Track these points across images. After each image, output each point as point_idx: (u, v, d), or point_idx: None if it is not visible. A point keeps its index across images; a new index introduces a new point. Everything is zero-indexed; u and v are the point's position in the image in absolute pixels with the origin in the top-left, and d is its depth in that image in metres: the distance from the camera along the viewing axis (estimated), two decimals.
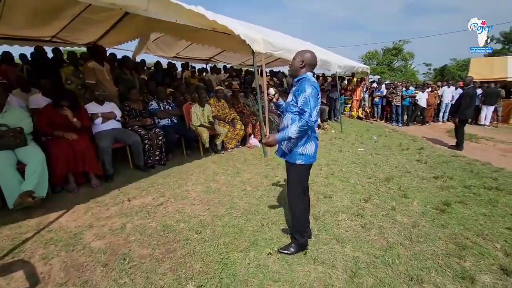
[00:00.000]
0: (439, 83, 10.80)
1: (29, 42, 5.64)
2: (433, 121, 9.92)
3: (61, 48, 5.70)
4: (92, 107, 3.56)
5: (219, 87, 5.19)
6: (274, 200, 3.08)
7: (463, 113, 5.58)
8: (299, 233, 2.14)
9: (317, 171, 4.04)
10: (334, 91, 8.58)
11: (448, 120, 9.90)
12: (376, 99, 9.72)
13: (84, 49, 6.54)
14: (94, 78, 3.92)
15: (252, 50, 4.20)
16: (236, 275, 1.91)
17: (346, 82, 10.61)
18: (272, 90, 2.20)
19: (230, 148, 4.95)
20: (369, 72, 9.72)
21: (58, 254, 2.07)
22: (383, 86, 9.80)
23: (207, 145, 4.55)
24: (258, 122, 5.38)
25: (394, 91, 8.86)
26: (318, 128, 7.23)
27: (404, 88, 8.94)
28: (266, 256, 2.12)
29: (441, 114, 9.94)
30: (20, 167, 2.69)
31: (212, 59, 9.44)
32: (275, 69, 10.16)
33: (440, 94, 9.71)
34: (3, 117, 2.74)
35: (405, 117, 9.14)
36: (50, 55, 5.17)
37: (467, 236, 2.45)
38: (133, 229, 2.43)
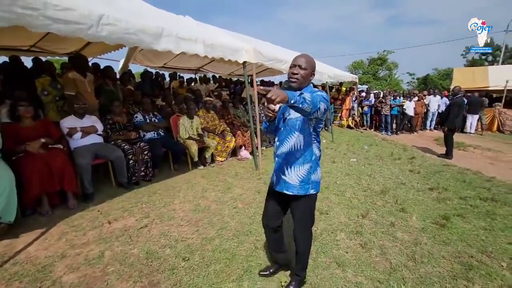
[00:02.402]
0: (425, 92, 11.06)
1: (5, 51, 5.34)
2: (421, 129, 10.08)
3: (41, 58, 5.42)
4: (70, 121, 3.31)
5: (208, 98, 5.03)
6: None
7: (452, 122, 5.63)
8: (304, 270, 1.90)
9: None
10: None
11: (435, 128, 10.11)
12: (365, 108, 9.80)
13: (64, 58, 6.28)
14: (74, 89, 3.67)
15: (243, 61, 4.09)
16: None
17: (334, 91, 10.69)
18: (276, 106, 1.54)
19: (220, 161, 4.75)
20: (357, 81, 9.83)
21: None
22: (372, 95, 9.92)
23: (195, 159, 4.34)
24: (249, 134, 5.22)
25: (383, 101, 8.96)
26: None
27: (392, 98, 9.07)
28: (261, 285, 1.92)
29: (428, 123, 10.12)
30: None
31: (201, 69, 9.30)
32: (265, 79, 10.13)
33: (426, 103, 9.90)
34: None
35: (394, 126, 9.24)
36: (29, 65, 4.88)
37: (471, 254, 2.34)
38: (112, 258, 2.18)
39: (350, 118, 9.96)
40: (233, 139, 4.89)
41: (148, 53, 6.85)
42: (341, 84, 10.45)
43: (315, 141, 1.64)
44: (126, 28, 2.43)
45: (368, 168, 4.87)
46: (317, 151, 1.66)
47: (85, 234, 2.50)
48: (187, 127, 4.40)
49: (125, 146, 3.57)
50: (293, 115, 1.61)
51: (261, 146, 4.71)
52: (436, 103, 9.79)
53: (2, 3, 1.69)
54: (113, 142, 3.63)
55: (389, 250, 2.39)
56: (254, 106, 4.68)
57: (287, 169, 1.65)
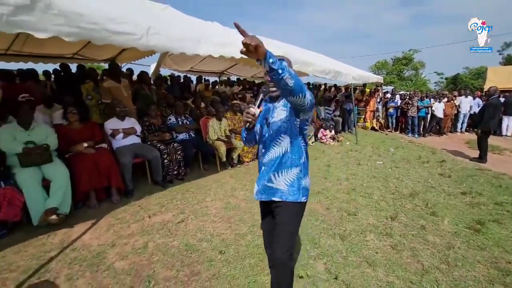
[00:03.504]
0: (455, 93, 10.57)
1: (52, 59, 5.88)
2: (451, 131, 9.66)
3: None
4: (113, 123, 3.61)
5: (235, 101, 5.21)
6: None
7: (487, 124, 5.38)
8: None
9: (338, 187, 3.93)
10: (348, 102, 8.50)
11: (466, 130, 9.64)
12: (391, 110, 9.56)
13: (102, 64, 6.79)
14: (109, 97, 3.98)
15: None
16: None
17: (358, 92, 10.53)
18: (257, 110, 1.45)
19: (247, 161, 4.90)
20: (382, 82, 9.63)
21: (83, 274, 2.04)
22: (397, 96, 9.66)
23: (224, 159, 4.52)
24: None
25: (410, 102, 8.70)
26: (333, 140, 7.13)
27: (419, 99, 8.79)
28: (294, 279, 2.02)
29: (458, 125, 9.67)
30: (45, 183, 2.72)
31: (224, 72, 9.58)
32: None
33: (457, 104, 9.47)
34: (30, 134, 2.80)
35: (421, 128, 8.93)
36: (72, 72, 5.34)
37: (509, 260, 2.29)
38: (155, 249, 2.38)
39: (375, 120, 9.76)
40: None
41: (176, 58, 7.21)
42: (364, 85, 10.27)
43: (303, 144, 1.49)
44: (170, 37, 2.65)
45: (395, 171, 4.80)
46: (305, 154, 1.51)
47: (129, 226, 2.74)
48: (216, 129, 4.60)
49: (161, 147, 3.82)
50: (277, 117, 1.46)
51: None
52: (468, 104, 9.34)
53: (72, 20, 1.95)
54: (149, 143, 3.90)
55: (420, 252, 2.40)
56: None
57: (274, 176, 1.47)
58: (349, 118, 8.76)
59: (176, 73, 8.05)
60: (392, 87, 14.12)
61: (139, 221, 2.86)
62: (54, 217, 2.55)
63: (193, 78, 8.28)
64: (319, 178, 4.28)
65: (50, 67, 5.91)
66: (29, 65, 5.53)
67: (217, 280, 2.02)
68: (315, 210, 3.18)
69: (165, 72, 8.76)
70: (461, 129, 9.68)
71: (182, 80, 7.30)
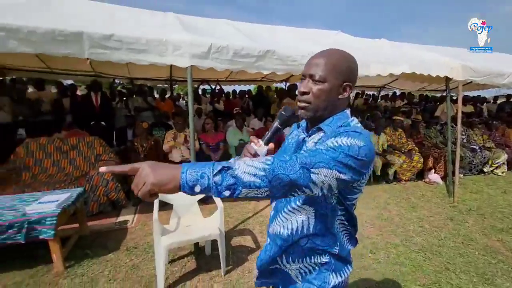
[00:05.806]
0: None
1: (244, 82, 8.21)
2: None
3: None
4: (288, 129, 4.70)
5: (397, 117, 5.09)
6: (463, 247, 2.70)
7: None
8: None
9: None
10: None
11: None
12: None
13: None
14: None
15: (446, 77, 3.90)
16: None
17: None
18: (262, 148, 0.87)
19: (404, 180, 4.68)
20: None
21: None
22: None
23: (378, 173, 4.59)
24: (442, 156, 4.74)
25: None
26: None
27: None
28: None
29: None
30: None
31: (386, 86, 9.21)
32: (475, 93, 8.34)
33: None
34: (243, 134, 4.26)
35: None
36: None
37: None
38: None
39: None
40: (421, 160, 4.65)
41: None
42: None
43: (343, 223, 0.88)
44: None
45: None
46: (346, 239, 0.90)
47: None
48: (373, 143, 4.76)
49: None
50: None
51: (459, 173, 4.14)
52: None
53: (284, 61, 2.97)
54: None
55: None
56: (455, 126, 4.24)
57: (281, 258, 0.92)
58: None
59: None
60: None
61: None
62: None
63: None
64: (506, 215, 3.44)
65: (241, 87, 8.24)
66: (234, 87, 8.04)
67: (367, 271, 2.34)
68: (494, 247, 2.71)
69: None
70: None
71: None
